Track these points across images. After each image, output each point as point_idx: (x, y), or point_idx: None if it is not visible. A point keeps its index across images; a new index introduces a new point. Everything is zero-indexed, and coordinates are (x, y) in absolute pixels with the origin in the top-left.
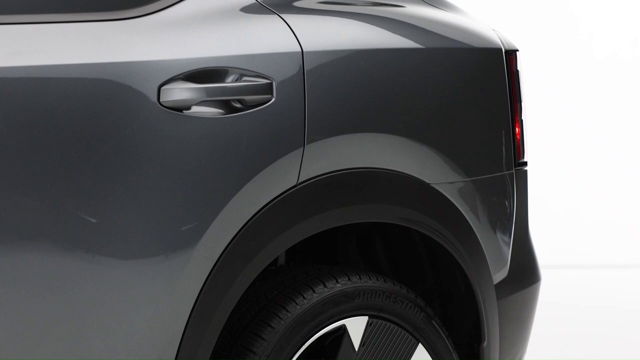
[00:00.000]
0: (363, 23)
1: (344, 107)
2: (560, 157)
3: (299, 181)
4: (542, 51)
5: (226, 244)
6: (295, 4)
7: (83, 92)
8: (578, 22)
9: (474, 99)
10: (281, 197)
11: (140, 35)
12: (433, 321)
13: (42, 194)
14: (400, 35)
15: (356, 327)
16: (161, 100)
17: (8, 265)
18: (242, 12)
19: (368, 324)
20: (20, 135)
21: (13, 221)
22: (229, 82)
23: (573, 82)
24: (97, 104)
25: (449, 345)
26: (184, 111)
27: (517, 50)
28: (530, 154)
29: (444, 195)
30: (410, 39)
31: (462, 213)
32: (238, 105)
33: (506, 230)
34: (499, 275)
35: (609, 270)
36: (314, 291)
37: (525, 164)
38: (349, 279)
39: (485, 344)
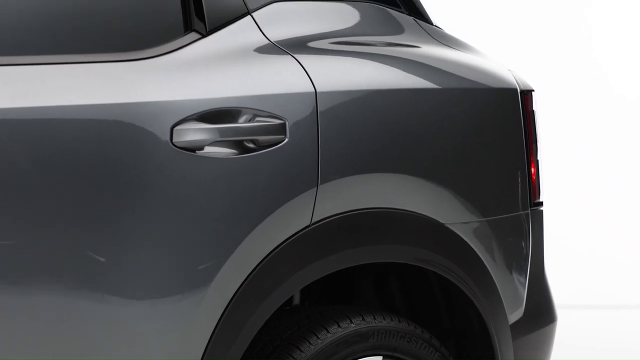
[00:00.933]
0: (377, 63)
1: (358, 147)
2: (577, 197)
3: (313, 221)
4: (559, 90)
5: (240, 283)
6: (309, 44)
7: (95, 133)
8: (598, 61)
9: (489, 139)
10: (295, 237)
11: (153, 76)
12: None
13: (53, 235)
14: (416, 75)
15: None
16: (174, 140)
17: (21, 306)
18: (255, 53)
19: None
20: (32, 177)
21: (25, 262)
22: (242, 123)
23: (591, 121)
24: (109, 145)
25: None
26: (196, 152)
27: (533, 90)
28: (546, 194)
29: (458, 236)
30: (425, 79)
31: (477, 253)
32: (251, 145)
33: (522, 270)
34: (515, 315)
35: (627, 311)
36: (328, 331)
37: (541, 204)
38: (363, 319)
39: None
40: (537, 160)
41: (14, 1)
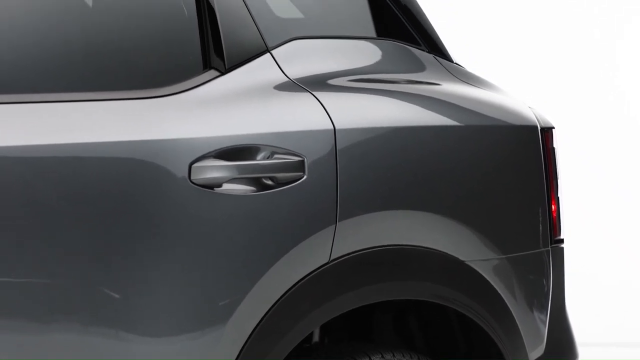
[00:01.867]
0: (397, 101)
1: (377, 184)
2: (598, 233)
3: (331, 258)
4: (581, 126)
5: (258, 320)
6: (328, 81)
7: (113, 170)
8: (622, 97)
9: (509, 176)
10: (313, 274)
11: (172, 113)
12: None
13: (70, 272)
14: (435, 112)
15: None
16: (192, 178)
17: (36, 344)
18: (274, 90)
19: None
20: (51, 213)
21: (41, 299)
22: (261, 160)
23: (613, 157)
24: (127, 182)
25: None
26: (215, 189)
27: (553, 128)
28: (567, 230)
29: (478, 273)
30: (445, 116)
31: (497, 290)
32: (270, 182)
33: (543, 308)
34: (535, 353)
35: None
36: None
37: (562, 241)
38: (382, 356)
39: None
40: (558, 197)
41: (34, 39)
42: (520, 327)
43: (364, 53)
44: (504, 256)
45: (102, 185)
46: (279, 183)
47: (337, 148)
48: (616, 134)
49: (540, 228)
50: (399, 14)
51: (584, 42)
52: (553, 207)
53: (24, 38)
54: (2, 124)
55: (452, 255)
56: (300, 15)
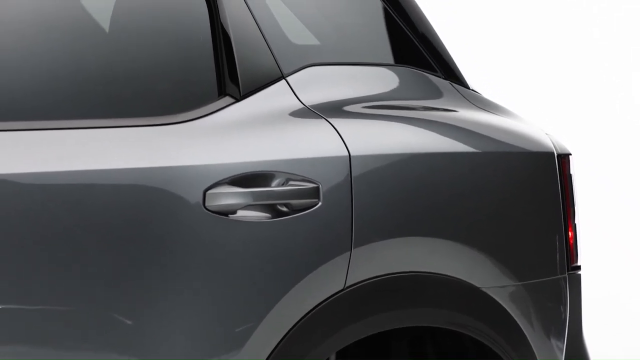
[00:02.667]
0: (413, 127)
1: (392, 210)
2: (614, 260)
3: (347, 285)
4: (599, 152)
5: (273, 347)
6: (344, 108)
7: (128, 196)
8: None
9: (526, 203)
10: (328, 300)
11: (187, 140)
12: None
13: (84, 299)
14: (452, 139)
15: None
16: (206, 204)
17: None
18: (289, 117)
19: None
20: (66, 240)
21: (54, 324)
22: (276, 187)
23: (629, 184)
24: (142, 209)
25: None
26: (229, 215)
27: (570, 154)
28: (584, 257)
29: (494, 300)
30: (461, 142)
31: (513, 317)
32: (284, 209)
33: (560, 335)
34: None
35: None
36: None
37: (579, 268)
38: None
39: None
40: (575, 224)
41: (48, 66)
42: (536, 354)
43: (380, 79)
44: (520, 283)
45: (117, 212)
46: (293, 210)
47: (352, 175)
48: (636, 159)
49: (557, 255)
50: (415, 41)
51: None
52: (570, 233)
53: (40, 64)
54: (18, 151)
55: (467, 282)
56: (316, 41)
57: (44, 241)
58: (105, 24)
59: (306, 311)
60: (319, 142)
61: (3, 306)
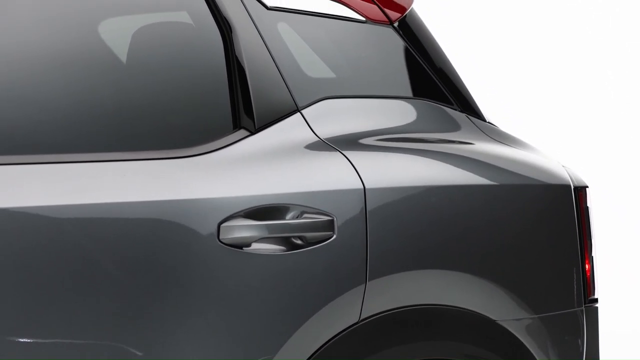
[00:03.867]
0: (428, 160)
1: (407, 243)
2: (631, 292)
3: (361, 318)
4: (616, 185)
5: None
6: (359, 141)
7: (143, 229)
8: None
9: (542, 235)
10: (343, 333)
11: (201, 173)
12: None
13: (99, 332)
14: (467, 171)
15: None
16: (221, 237)
17: None
18: (304, 150)
19: None
20: (80, 273)
21: (69, 358)
22: (290, 219)
23: None
24: (157, 242)
25: None
26: (243, 248)
27: (587, 187)
28: (601, 290)
29: (510, 332)
30: (477, 175)
31: (530, 351)
32: (299, 242)
33: None
34: None
35: None
36: None
37: (596, 300)
38: None
39: None
40: (592, 257)
41: (65, 100)
42: None
43: (396, 112)
44: (536, 316)
45: (132, 245)
46: (308, 242)
47: (367, 207)
48: None
49: (574, 287)
50: (431, 73)
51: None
52: (587, 266)
53: (55, 96)
54: (33, 184)
55: (483, 315)
56: (331, 74)
57: (58, 274)
58: (123, 56)
59: (321, 344)
60: (333, 174)
61: (17, 338)
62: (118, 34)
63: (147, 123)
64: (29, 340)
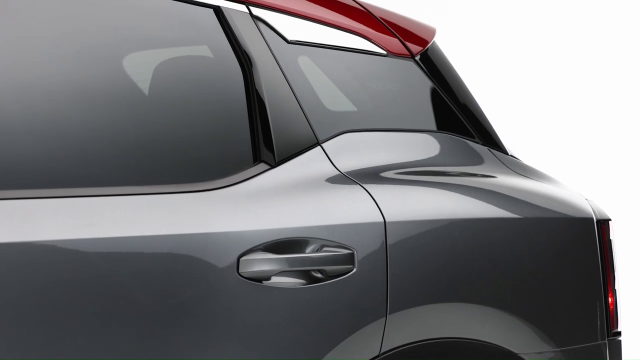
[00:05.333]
0: (450, 193)
1: (428, 277)
2: None
3: (382, 351)
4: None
5: None
6: (380, 174)
7: (162, 263)
8: None
9: (564, 268)
10: None
11: (221, 207)
12: None
13: None
14: (489, 204)
15: None
16: (240, 271)
17: None
18: (324, 183)
19: None
20: (97, 307)
21: None
22: (310, 253)
23: None
24: (176, 275)
25: None
26: (263, 282)
27: (610, 220)
28: (624, 323)
29: None
30: (499, 208)
31: None
32: (319, 275)
33: None
34: None
35: None
36: None
37: (619, 333)
38: None
39: None
40: (615, 290)
41: (87, 134)
42: None
43: (417, 145)
44: (559, 349)
45: (151, 278)
46: (328, 276)
47: (388, 241)
48: None
49: (597, 320)
50: (452, 107)
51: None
52: (610, 299)
53: (73, 129)
54: (50, 218)
55: (505, 348)
56: (352, 107)
57: (74, 308)
58: (145, 90)
59: None
60: (354, 208)
61: None
62: (141, 68)
63: (168, 156)
64: None
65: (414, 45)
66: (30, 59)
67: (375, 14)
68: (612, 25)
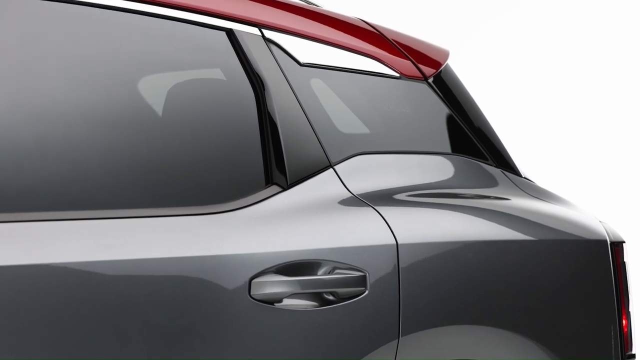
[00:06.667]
0: (462, 215)
1: (440, 299)
2: None
3: None
4: None
5: None
6: (393, 196)
7: (174, 285)
8: None
9: (578, 291)
10: None
11: (233, 229)
12: None
13: None
14: (502, 227)
15: None
16: (252, 293)
17: None
18: (336, 205)
19: None
20: (109, 330)
21: None
22: (322, 275)
23: None
24: (188, 298)
25: None
26: (275, 304)
27: (624, 242)
28: (638, 346)
29: None
30: (512, 230)
31: None
32: (331, 297)
33: None
34: None
35: None
36: None
37: (634, 356)
38: None
39: None
40: (629, 312)
41: (101, 157)
42: None
43: (429, 168)
44: None
45: (163, 300)
46: (340, 298)
47: (400, 263)
48: None
49: (611, 343)
50: (466, 129)
51: None
52: (624, 321)
53: (87, 153)
54: (63, 240)
55: None
56: (365, 130)
57: (89, 329)
58: (159, 113)
59: None
60: (366, 230)
61: None
62: (156, 91)
63: (180, 179)
64: None
65: (427, 67)
66: (51, 83)
67: (388, 36)
68: (622, 55)
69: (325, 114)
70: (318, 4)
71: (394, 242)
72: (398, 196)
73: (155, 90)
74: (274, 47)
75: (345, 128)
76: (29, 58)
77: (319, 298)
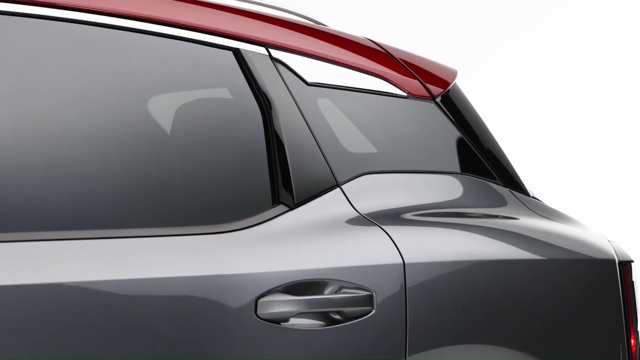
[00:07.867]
0: (470, 234)
1: (447, 319)
2: None
3: None
4: None
5: None
6: (400, 216)
7: (181, 305)
8: None
9: (586, 310)
10: None
11: (240, 249)
12: None
13: None
14: (510, 246)
15: None
16: (258, 312)
17: None
18: (343, 224)
19: None
20: (117, 349)
21: None
22: (329, 294)
23: None
24: (193, 317)
25: None
26: (281, 323)
27: (632, 261)
28: None
29: None
30: (520, 250)
31: None
32: (337, 317)
33: None
34: None
35: None
36: None
37: None
38: None
39: None
40: (638, 331)
41: (104, 176)
42: None
43: (438, 187)
44: None
45: (170, 319)
46: (347, 317)
47: (407, 283)
48: None
49: None
50: (474, 149)
51: None
52: (633, 341)
53: (99, 173)
54: (70, 260)
55: None
56: (373, 149)
57: (93, 350)
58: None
59: None
60: (373, 250)
61: None
62: (164, 111)
63: (187, 198)
64: None
65: (434, 87)
66: (61, 102)
67: (395, 56)
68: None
69: (333, 133)
70: (325, 24)
71: (401, 262)
72: (405, 215)
73: (164, 110)
74: (281, 67)
75: (352, 147)
76: (40, 78)
77: (325, 317)
